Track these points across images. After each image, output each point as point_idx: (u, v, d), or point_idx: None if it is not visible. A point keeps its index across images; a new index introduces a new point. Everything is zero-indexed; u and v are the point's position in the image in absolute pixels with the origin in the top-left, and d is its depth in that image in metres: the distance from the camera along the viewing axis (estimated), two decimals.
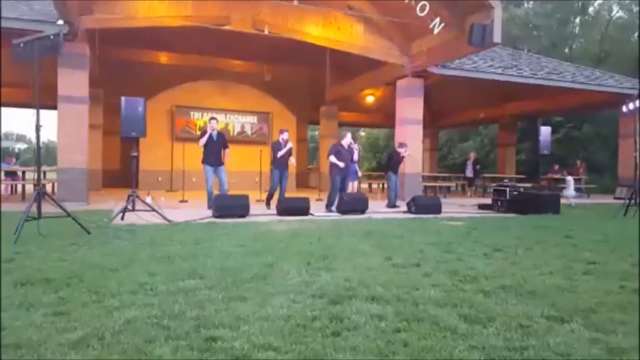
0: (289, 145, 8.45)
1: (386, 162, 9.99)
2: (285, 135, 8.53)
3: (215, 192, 8.00)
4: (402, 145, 9.79)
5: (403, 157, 9.62)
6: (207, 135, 7.99)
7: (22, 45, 4.78)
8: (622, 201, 9.32)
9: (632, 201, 8.34)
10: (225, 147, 8.25)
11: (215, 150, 8.06)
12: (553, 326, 2.43)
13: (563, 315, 2.58)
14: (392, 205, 9.30)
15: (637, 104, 9.00)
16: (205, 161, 8.08)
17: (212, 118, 8.51)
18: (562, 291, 3.11)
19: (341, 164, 8.19)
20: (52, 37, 4.89)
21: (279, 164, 8.41)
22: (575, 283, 3.34)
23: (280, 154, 8.35)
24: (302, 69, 15.53)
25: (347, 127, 25.21)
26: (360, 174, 11.85)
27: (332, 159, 8.30)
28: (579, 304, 2.79)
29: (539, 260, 4.16)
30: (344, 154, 8.38)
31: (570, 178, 12.42)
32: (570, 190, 11.76)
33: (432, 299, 2.86)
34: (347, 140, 8.59)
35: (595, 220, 7.65)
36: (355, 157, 8.77)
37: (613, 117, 16.82)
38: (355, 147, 9.85)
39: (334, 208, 8.21)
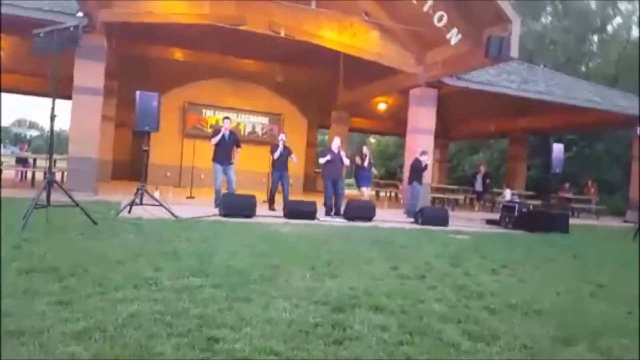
0: (281, 145, 8.50)
1: (411, 173, 9.89)
2: (282, 136, 8.77)
3: (223, 190, 8.03)
4: (423, 153, 9.76)
5: (426, 165, 9.59)
6: (219, 135, 8.05)
7: (41, 35, 4.80)
8: (631, 224, 9.18)
9: None
10: (238, 146, 8.32)
11: (226, 149, 8.13)
12: (558, 348, 2.39)
13: (569, 337, 2.53)
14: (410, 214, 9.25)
15: None
16: (215, 159, 8.14)
17: (226, 117, 8.58)
18: (569, 312, 3.06)
19: (328, 158, 8.32)
20: (71, 28, 4.91)
21: (277, 166, 8.57)
22: (582, 305, 3.29)
23: (275, 155, 8.48)
24: (315, 72, 15.54)
25: (358, 133, 25.22)
26: (376, 173, 11.89)
27: (322, 160, 8.43)
28: (586, 327, 2.74)
29: (546, 279, 4.11)
30: (332, 158, 8.42)
31: (507, 190, 12.39)
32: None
33: (437, 313, 2.83)
34: (335, 144, 8.61)
35: (604, 242, 7.54)
36: (345, 162, 8.85)
37: (626, 137, 16.59)
38: (367, 152, 9.95)
39: (333, 213, 8.23)
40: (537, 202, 12.42)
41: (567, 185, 15.41)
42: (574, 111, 13.70)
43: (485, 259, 4.92)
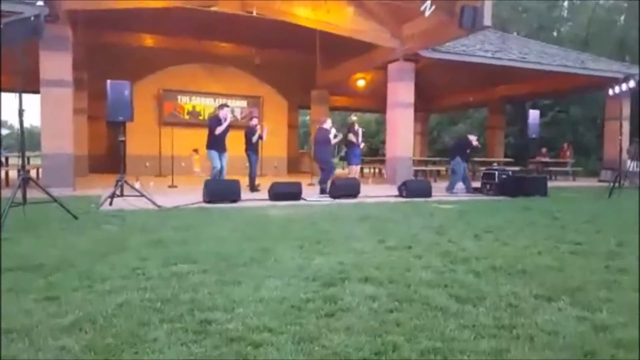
0: (259, 130, 8.91)
1: (454, 147, 9.94)
2: (254, 122, 9.08)
3: (207, 177, 8.00)
4: (472, 133, 9.88)
5: (475, 146, 9.56)
6: (226, 123, 8.02)
7: (1, 26, 4.63)
8: (606, 184, 9.50)
9: (617, 184, 8.50)
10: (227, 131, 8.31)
11: (224, 137, 8.11)
12: (541, 305, 2.48)
13: (551, 294, 2.63)
14: (450, 189, 9.26)
15: (623, 88, 9.08)
16: (213, 147, 8.06)
17: (225, 105, 8.50)
18: (551, 271, 3.18)
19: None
20: (32, 18, 4.73)
21: (256, 148, 8.90)
22: (563, 262, 3.41)
23: (254, 139, 8.79)
24: (293, 52, 15.30)
25: (339, 111, 25.12)
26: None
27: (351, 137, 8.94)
28: (567, 283, 2.85)
29: (528, 241, 4.23)
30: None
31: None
32: None
33: (424, 280, 2.90)
34: (328, 124, 8.79)
35: (581, 203, 7.79)
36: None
37: (599, 98, 16.97)
38: (359, 129, 10.10)
39: (321, 191, 8.36)
40: (516, 168, 12.68)
41: (544, 150, 15.76)
42: (548, 77, 13.91)
43: (469, 226, 5.04)
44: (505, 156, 17.47)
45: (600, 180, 12.94)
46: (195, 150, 11.07)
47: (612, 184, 8.53)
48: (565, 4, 27.30)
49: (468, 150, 9.54)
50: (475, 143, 9.55)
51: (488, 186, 9.06)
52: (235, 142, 10.48)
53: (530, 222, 5.37)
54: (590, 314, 2.35)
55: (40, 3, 7.64)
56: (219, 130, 7.96)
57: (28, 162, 10.88)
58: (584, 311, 2.38)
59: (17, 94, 4.81)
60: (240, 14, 9.88)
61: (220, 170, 8.14)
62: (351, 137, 9.98)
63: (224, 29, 12.78)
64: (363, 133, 10.18)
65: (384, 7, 10.36)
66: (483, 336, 2.05)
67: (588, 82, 14.16)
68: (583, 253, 3.75)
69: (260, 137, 8.90)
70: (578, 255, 3.69)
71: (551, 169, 14.72)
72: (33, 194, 5.09)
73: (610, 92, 9.64)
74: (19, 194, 4.79)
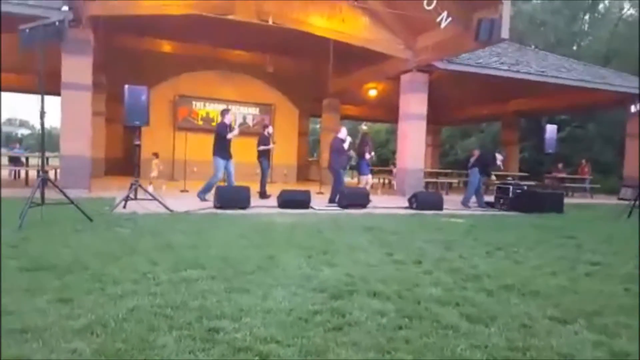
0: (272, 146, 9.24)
1: (476, 160, 9.87)
2: (270, 130, 9.34)
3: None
4: (499, 152, 9.79)
5: (497, 165, 9.43)
6: (237, 130, 8.14)
7: (27, 30, 4.80)
8: (626, 202, 9.25)
9: (637, 202, 8.24)
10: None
11: (229, 143, 8.09)
12: (556, 327, 2.42)
13: (566, 316, 2.57)
14: (466, 203, 9.10)
15: None
16: (219, 154, 7.96)
17: (227, 110, 8.47)
18: (565, 292, 3.10)
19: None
20: (57, 23, 4.89)
21: (267, 155, 9.21)
22: (578, 284, 3.32)
23: (270, 146, 9.06)
24: (306, 61, 15.41)
25: (349, 120, 25.18)
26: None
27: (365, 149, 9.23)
28: (582, 306, 2.77)
29: (541, 260, 4.15)
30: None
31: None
32: None
33: (434, 296, 2.86)
34: (343, 134, 8.82)
35: (598, 221, 7.60)
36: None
37: (618, 116, 16.67)
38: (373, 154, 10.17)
39: (329, 200, 8.39)
40: (532, 183, 12.49)
41: (560, 165, 15.51)
42: (566, 92, 13.72)
43: (480, 242, 4.96)
44: (520, 171, 17.23)
45: (620, 199, 12.58)
46: (156, 154, 10.96)
47: (632, 203, 8.29)
48: (587, 17, 26.98)
49: (489, 167, 9.41)
50: (499, 163, 9.43)
51: (501, 201, 8.93)
52: (245, 149, 10.61)
53: (544, 240, 5.26)
54: (608, 339, 2.28)
55: (65, 8, 7.87)
56: (230, 135, 7.97)
57: (47, 163, 11.11)
58: (601, 336, 2.31)
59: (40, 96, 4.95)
60: (256, 22, 10.01)
61: (229, 177, 8.13)
62: (366, 149, 9.95)
63: (239, 36, 12.93)
64: (371, 157, 10.20)
65: (398, 18, 10.40)
66: (495, 358, 2.01)
67: (608, 98, 13.89)
68: (600, 275, 3.66)
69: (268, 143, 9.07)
70: (594, 277, 3.60)
71: (568, 185, 14.44)
72: (51, 194, 5.19)
73: (632, 108, 9.46)
74: (38, 194, 4.89)
